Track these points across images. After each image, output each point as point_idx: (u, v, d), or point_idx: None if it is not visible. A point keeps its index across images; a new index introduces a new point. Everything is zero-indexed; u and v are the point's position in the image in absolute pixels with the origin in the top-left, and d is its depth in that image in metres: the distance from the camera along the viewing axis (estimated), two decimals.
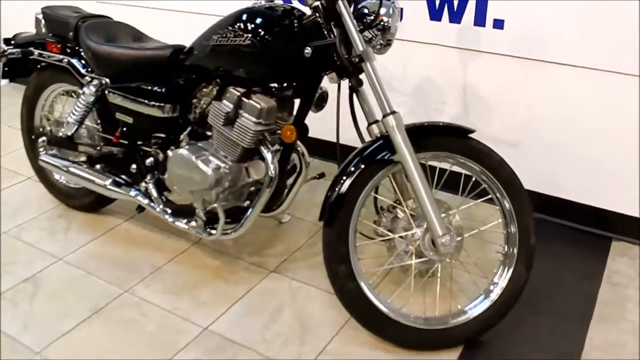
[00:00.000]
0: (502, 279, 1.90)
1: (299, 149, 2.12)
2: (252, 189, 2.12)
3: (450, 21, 2.46)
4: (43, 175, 2.64)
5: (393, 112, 1.76)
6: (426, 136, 1.83)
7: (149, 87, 2.10)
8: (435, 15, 2.50)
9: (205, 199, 2.05)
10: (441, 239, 1.77)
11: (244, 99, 1.95)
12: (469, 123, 2.55)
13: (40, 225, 2.55)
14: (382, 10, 1.84)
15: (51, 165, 2.42)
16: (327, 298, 2.08)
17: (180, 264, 2.30)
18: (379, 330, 1.85)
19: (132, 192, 2.25)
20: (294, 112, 2.02)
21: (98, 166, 2.32)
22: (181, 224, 2.15)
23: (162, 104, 2.09)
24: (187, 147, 2.08)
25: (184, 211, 2.11)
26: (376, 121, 1.87)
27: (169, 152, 2.10)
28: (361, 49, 1.74)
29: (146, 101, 2.10)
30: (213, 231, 2.09)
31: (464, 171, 1.90)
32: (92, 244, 2.43)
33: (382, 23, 1.84)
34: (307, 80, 1.93)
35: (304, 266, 2.28)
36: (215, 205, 2.02)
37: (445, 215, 1.86)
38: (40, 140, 2.45)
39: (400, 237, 1.89)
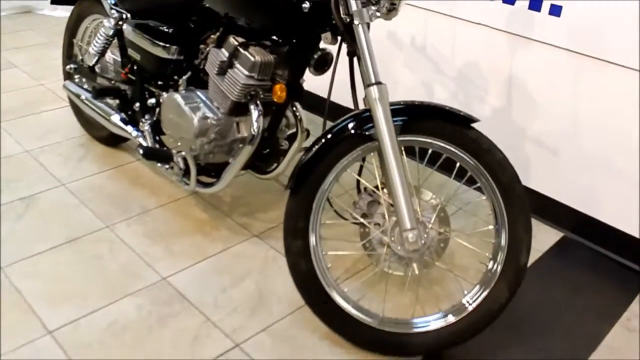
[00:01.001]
0: (475, 296, 1.66)
1: (297, 113, 1.97)
2: (241, 146, 2.00)
3: (504, 1, 2.18)
4: (73, 102, 2.68)
5: (378, 83, 1.56)
6: (418, 117, 1.62)
7: (159, 26, 2.04)
8: None
9: (192, 148, 1.97)
10: (408, 233, 1.57)
11: (240, 49, 1.83)
12: (509, 119, 2.28)
13: (59, 150, 2.60)
14: None
15: (70, 92, 2.45)
16: None
17: (169, 211, 2.25)
18: (328, 320, 1.69)
19: (131, 130, 2.21)
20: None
21: (109, 100, 2.31)
22: (162, 168, 2.08)
23: (167, 45, 2.02)
24: (182, 92, 2.01)
25: (162, 156, 2.04)
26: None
27: (164, 95, 2.03)
28: (354, 8, 1.55)
29: (154, 40, 2.04)
30: (188, 181, 2.01)
31: (458, 163, 1.67)
32: (97, 176, 2.44)
33: None
34: (305, 38, 1.77)
35: None
36: (185, 153, 1.93)
37: (431, 209, 1.65)
38: (67, 67, 2.47)
39: (369, 223, 1.70)
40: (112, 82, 2.33)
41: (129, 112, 2.25)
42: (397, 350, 1.68)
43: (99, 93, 2.16)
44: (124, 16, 2.19)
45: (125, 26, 2.18)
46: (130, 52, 2.17)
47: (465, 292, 1.68)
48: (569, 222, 2.27)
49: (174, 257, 2.02)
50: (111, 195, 2.32)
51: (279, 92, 1.82)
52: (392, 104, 1.61)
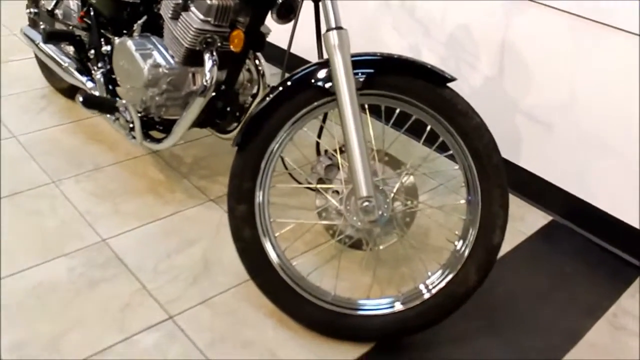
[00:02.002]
0: (438, 280, 1.47)
1: (259, 67, 1.78)
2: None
3: None
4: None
5: (338, 28, 1.36)
6: (385, 71, 1.41)
7: None
8: None
9: (143, 99, 1.79)
10: (363, 201, 1.38)
11: None
12: (501, 87, 2.07)
13: (19, 102, 2.43)
14: None
15: (27, 37, 2.27)
16: None
17: (124, 169, 2.07)
18: (272, 295, 1.50)
19: (85, 80, 2.03)
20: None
21: (64, 46, 2.13)
22: (110, 121, 1.90)
23: None
24: (135, 37, 1.82)
25: (105, 105, 1.85)
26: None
27: (115, 40, 1.84)
28: None
29: None
30: (134, 134, 1.83)
31: (429, 125, 1.47)
32: (54, 129, 2.27)
33: None
34: None
35: None
36: (126, 102, 1.75)
37: (397, 177, 1.46)
38: (27, 12, 2.29)
39: (325, 191, 1.51)
40: (69, 27, 2.14)
41: (84, 60, 2.06)
42: (344, 334, 1.50)
43: (49, 36, 1.98)
44: None
45: None
46: None
47: (429, 274, 1.50)
48: (559, 205, 2.07)
49: (119, 218, 1.84)
50: (65, 149, 2.15)
51: (237, 40, 1.63)
52: (355, 55, 1.41)
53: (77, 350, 1.41)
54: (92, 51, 2.00)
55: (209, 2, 1.59)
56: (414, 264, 1.77)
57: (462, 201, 1.48)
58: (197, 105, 1.69)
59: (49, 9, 2.16)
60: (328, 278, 1.64)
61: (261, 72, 1.78)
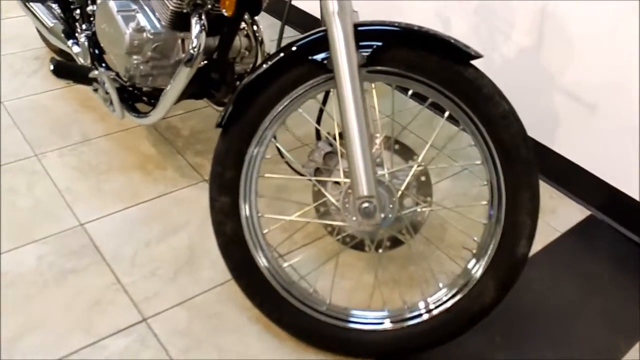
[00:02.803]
0: (449, 292, 1.25)
1: (257, 34, 1.56)
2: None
3: None
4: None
5: None
6: (396, 45, 1.17)
7: None
8: None
9: (127, 67, 1.58)
10: (362, 202, 1.16)
11: None
12: (539, 60, 1.80)
13: (12, 62, 2.26)
14: None
15: None
16: None
17: (114, 142, 1.89)
18: (257, 299, 1.31)
19: (71, 44, 1.82)
20: None
21: (54, 7, 1.92)
22: (88, 87, 1.69)
23: None
24: None
25: (78, 74, 1.65)
26: None
27: (98, 0, 1.63)
28: None
29: None
30: (112, 107, 1.64)
31: (447, 112, 1.23)
32: (44, 95, 2.09)
33: None
34: None
35: None
36: (103, 74, 1.55)
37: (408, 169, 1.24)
38: None
39: (323, 183, 1.30)
40: None
41: (70, 21, 1.86)
42: (338, 348, 1.30)
43: None
44: None
45: None
46: None
47: (440, 285, 1.28)
48: (599, 199, 1.81)
49: (101, 198, 1.67)
50: (53, 118, 1.97)
51: (227, 2, 1.40)
52: (361, 24, 1.17)
53: (36, 354, 1.25)
54: (77, 11, 1.79)
55: None
56: (425, 267, 1.55)
57: (484, 202, 1.25)
58: (183, 76, 1.48)
59: None
60: (325, 280, 1.44)
61: (259, 38, 1.56)
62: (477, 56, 1.16)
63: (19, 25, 2.50)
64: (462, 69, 1.16)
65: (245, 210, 1.28)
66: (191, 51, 1.44)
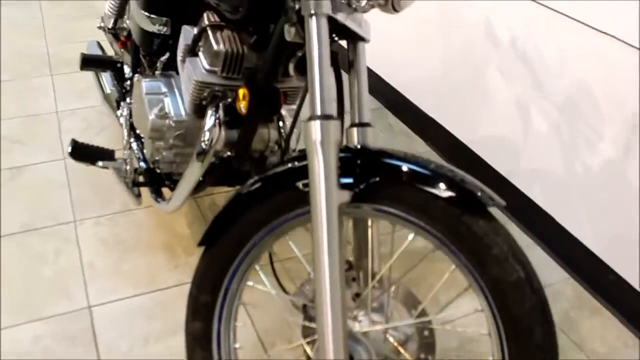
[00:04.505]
0: None
1: (282, 129, 1.43)
2: (214, 159, 1.51)
3: None
4: None
5: (326, 117, 0.96)
6: (394, 182, 0.99)
7: None
8: None
9: (150, 151, 1.53)
10: None
11: (209, 31, 1.32)
12: (627, 175, 1.50)
13: (86, 115, 2.33)
14: None
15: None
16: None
17: (151, 215, 1.85)
18: None
19: (119, 114, 1.82)
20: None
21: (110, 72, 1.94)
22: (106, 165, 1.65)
23: (151, 15, 1.56)
24: (154, 76, 1.56)
25: (98, 156, 1.61)
26: (359, 124, 1.11)
27: (135, 77, 1.60)
28: None
29: (140, 5, 1.60)
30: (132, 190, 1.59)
31: (452, 265, 1.01)
32: None
33: None
34: (268, 27, 1.21)
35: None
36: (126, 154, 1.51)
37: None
38: (97, 26, 2.15)
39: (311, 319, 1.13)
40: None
41: (122, 92, 1.86)
42: None
43: (83, 62, 1.81)
44: None
45: None
46: (128, 17, 1.77)
47: None
48: None
49: (117, 279, 1.62)
50: (103, 181, 1.97)
51: (241, 97, 1.29)
52: (358, 152, 1.01)
53: None
54: (128, 82, 1.79)
55: (215, 47, 1.27)
56: None
57: None
58: (195, 169, 1.39)
59: (109, 27, 1.99)
60: None
61: (284, 135, 1.43)
62: (497, 204, 0.95)
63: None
64: (472, 220, 0.94)
65: (217, 339, 1.14)
66: (202, 145, 1.35)
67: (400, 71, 2.36)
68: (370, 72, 2.49)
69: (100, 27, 2.12)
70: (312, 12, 0.95)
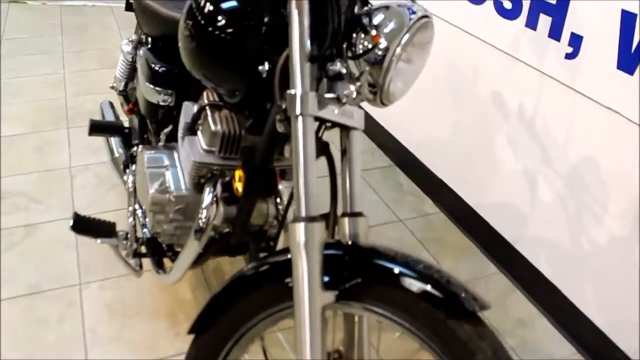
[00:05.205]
0: None
1: (279, 206, 1.44)
2: (213, 234, 1.52)
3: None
4: None
5: (310, 219, 0.96)
6: (379, 282, 0.98)
7: (154, 62, 1.62)
8: (624, 63, 1.42)
9: (152, 223, 1.55)
10: None
11: (208, 110, 1.35)
12: (633, 255, 1.47)
13: (98, 171, 2.37)
14: (388, 25, 0.99)
15: (101, 112, 2.18)
16: None
17: (156, 279, 1.86)
18: None
19: (125, 179, 1.85)
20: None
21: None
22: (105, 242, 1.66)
23: (154, 87, 1.60)
24: (157, 148, 1.58)
25: (99, 230, 1.63)
26: (350, 213, 1.11)
27: (139, 148, 1.62)
28: (296, 90, 0.96)
29: (148, 75, 1.64)
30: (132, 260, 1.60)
31: None
32: (113, 214, 2.14)
33: (374, 49, 1.00)
34: (264, 112, 1.22)
35: None
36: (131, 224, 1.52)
37: None
38: (110, 85, 2.21)
39: None
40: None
41: (129, 157, 1.89)
42: None
43: (92, 128, 1.84)
44: (143, 39, 1.82)
45: (140, 52, 1.81)
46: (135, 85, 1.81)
47: None
48: None
49: (117, 348, 1.63)
50: None
51: (237, 180, 1.30)
52: (341, 248, 1.01)
53: None
54: (134, 149, 1.82)
55: (213, 128, 1.29)
56: None
57: None
58: (192, 246, 1.40)
59: (120, 89, 2.04)
60: None
61: (281, 210, 1.43)
62: (482, 307, 0.93)
63: None
64: (456, 324, 0.93)
65: None
66: (200, 223, 1.36)
67: (412, 131, 2.36)
68: (382, 129, 2.52)
69: (112, 87, 2.17)
70: (297, 113, 0.96)
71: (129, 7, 1.89)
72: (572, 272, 1.70)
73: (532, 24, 1.68)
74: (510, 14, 1.75)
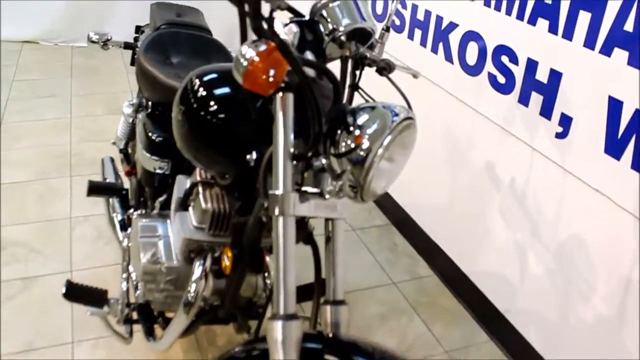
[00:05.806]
0: None
1: (267, 280, 1.46)
2: (202, 304, 1.53)
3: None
4: None
5: (290, 317, 0.97)
6: None
7: (152, 130, 1.66)
8: (611, 148, 1.45)
9: (143, 291, 1.57)
10: None
11: (199, 187, 1.38)
12: (622, 339, 1.48)
13: (99, 224, 2.40)
14: (371, 126, 1.02)
15: (102, 168, 2.22)
16: None
17: None
18: None
19: (122, 238, 1.88)
20: None
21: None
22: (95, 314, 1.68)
23: (151, 155, 1.63)
24: (151, 216, 1.61)
25: (92, 298, 1.65)
26: (333, 301, 1.12)
27: (134, 215, 1.65)
28: (277, 191, 0.99)
29: (142, 145, 1.68)
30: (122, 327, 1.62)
31: None
32: (111, 268, 2.17)
33: (357, 149, 1.02)
34: (252, 195, 1.25)
35: None
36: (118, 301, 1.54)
37: None
38: (112, 141, 2.25)
39: None
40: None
41: (125, 220, 1.92)
42: None
43: (90, 190, 1.88)
44: (143, 103, 1.86)
45: (140, 116, 1.86)
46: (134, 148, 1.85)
47: None
48: None
49: None
50: None
51: (226, 257, 1.33)
52: (322, 341, 1.03)
53: None
54: (131, 211, 1.85)
55: (204, 206, 1.32)
56: None
57: None
58: (181, 319, 1.42)
59: (120, 147, 2.08)
60: None
61: (269, 284, 1.45)
62: None
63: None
64: None
65: None
66: (188, 297, 1.38)
67: (410, 192, 2.38)
68: None
69: (113, 143, 2.22)
70: (277, 214, 0.98)
71: (133, 63, 1.93)
72: (561, 346, 1.70)
73: (524, 100, 1.71)
74: (503, 89, 1.79)
